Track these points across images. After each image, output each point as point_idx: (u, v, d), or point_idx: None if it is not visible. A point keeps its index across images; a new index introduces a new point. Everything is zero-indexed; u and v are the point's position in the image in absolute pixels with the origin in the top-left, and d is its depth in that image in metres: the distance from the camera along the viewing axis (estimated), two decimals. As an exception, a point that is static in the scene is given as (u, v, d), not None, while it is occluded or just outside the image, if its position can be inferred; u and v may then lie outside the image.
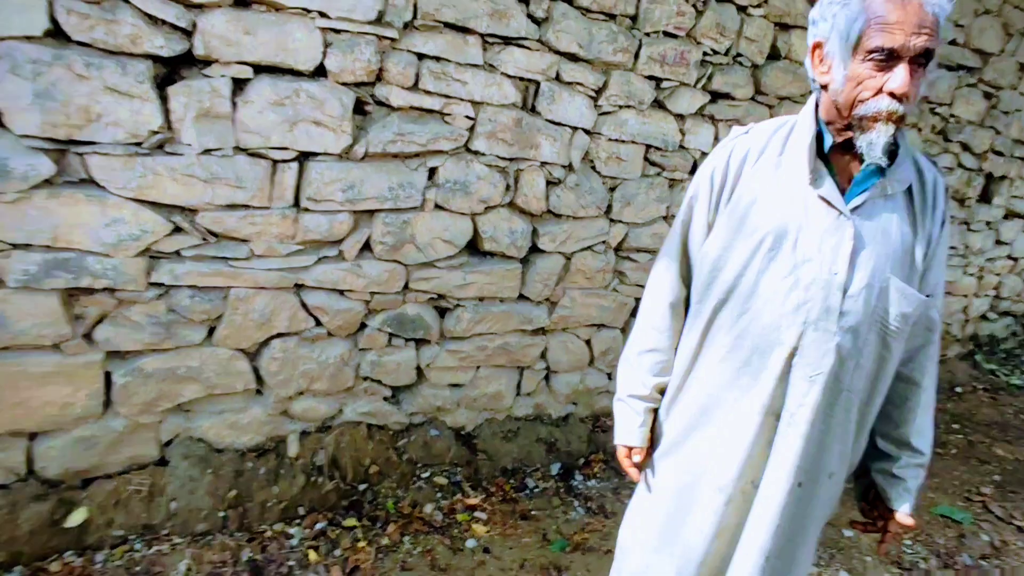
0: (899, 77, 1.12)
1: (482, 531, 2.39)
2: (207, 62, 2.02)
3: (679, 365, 1.44)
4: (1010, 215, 5.00)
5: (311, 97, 2.15)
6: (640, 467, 1.50)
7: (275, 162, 2.16)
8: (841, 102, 1.20)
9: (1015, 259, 5.28)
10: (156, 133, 1.96)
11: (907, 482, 1.39)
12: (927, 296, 1.31)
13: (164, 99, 1.97)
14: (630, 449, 1.49)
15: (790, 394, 1.28)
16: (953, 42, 4.02)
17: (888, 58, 1.13)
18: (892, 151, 1.24)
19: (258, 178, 2.13)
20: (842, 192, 1.26)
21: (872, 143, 1.19)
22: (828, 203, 1.25)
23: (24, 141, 1.82)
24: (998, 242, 5.03)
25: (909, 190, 1.29)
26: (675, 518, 1.42)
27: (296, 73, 2.15)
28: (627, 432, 1.48)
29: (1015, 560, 2.79)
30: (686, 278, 1.46)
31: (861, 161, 1.23)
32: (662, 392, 1.48)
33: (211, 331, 2.20)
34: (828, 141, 1.27)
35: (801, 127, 1.30)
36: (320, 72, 2.19)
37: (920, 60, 1.13)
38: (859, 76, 1.16)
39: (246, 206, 2.14)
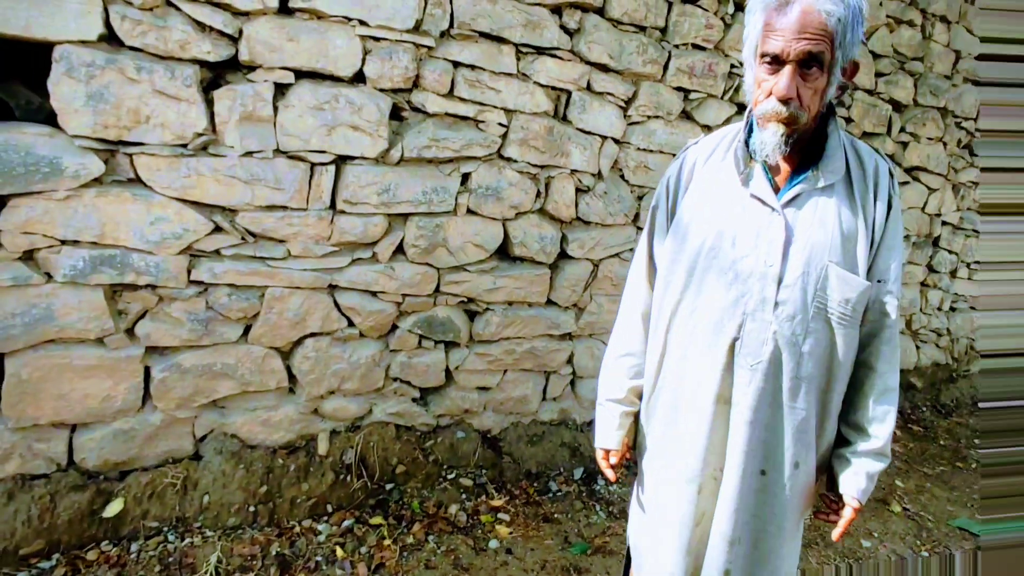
0: (780, 81, 1.20)
1: (505, 532, 2.38)
2: (251, 67, 2.06)
3: (650, 368, 1.49)
4: (1035, 231, 4.92)
5: (349, 102, 2.18)
6: (615, 468, 1.52)
7: (313, 165, 2.19)
8: (751, 105, 1.29)
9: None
10: (201, 135, 2.00)
11: (855, 466, 1.39)
12: (878, 281, 1.34)
13: (209, 103, 2.01)
14: (607, 452, 1.52)
15: (735, 383, 1.34)
16: (979, 57, 4.00)
17: (776, 62, 1.20)
18: (817, 146, 1.32)
19: (296, 180, 2.16)
20: (779, 189, 1.33)
21: (763, 142, 1.26)
22: (760, 200, 1.31)
23: (76, 141, 1.86)
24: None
25: (850, 180, 1.33)
26: (659, 510, 1.47)
27: (335, 79, 2.19)
28: (604, 435, 1.52)
29: None
30: (654, 284, 1.52)
31: (797, 159, 1.31)
32: (639, 396, 1.52)
33: (247, 329, 2.23)
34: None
35: (736, 133, 1.39)
36: (359, 78, 2.22)
37: (809, 64, 1.19)
38: (758, 80, 1.25)
39: (284, 207, 2.17)
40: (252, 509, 2.16)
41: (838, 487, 1.40)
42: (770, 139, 1.26)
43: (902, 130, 3.79)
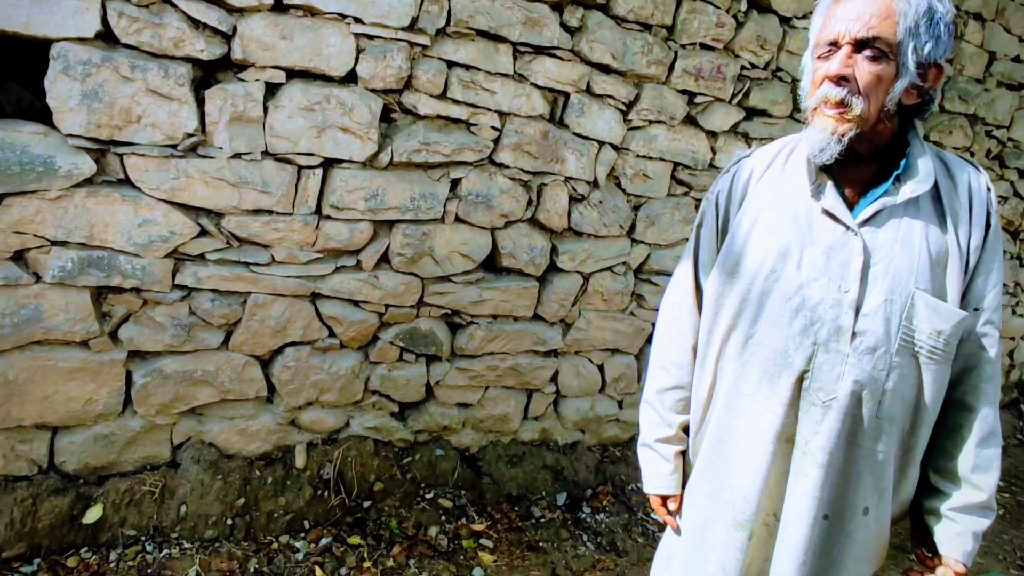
0: (834, 60, 1.36)
1: (489, 560, 2.92)
2: (243, 66, 2.54)
3: (697, 401, 1.67)
4: (1070, 251, 5.60)
5: (341, 103, 2.68)
6: (675, 514, 1.67)
7: (300, 168, 2.68)
8: (807, 106, 1.45)
9: (1073, 301, 5.89)
10: (191, 136, 2.48)
11: (959, 524, 1.46)
12: (975, 310, 1.44)
13: (200, 102, 2.49)
14: (664, 499, 1.68)
15: (803, 420, 1.46)
16: (1016, 59, 4.61)
17: (832, 47, 1.37)
18: (888, 157, 1.44)
19: (283, 183, 2.66)
20: (852, 205, 1.45)
21: (810, 138, 1.41)
22: (833, 217, 1.43)
23: (70, 140, 2.33)
24: (1055, 281, 5.63)
25: (938, 195, 1.43)
26: (697, 556, 1.64)
27: (327, 79, 2.68)
28: (657, 480, 1.69)
29: None
30: (701, 308, 1.67)
31: (873, 170, 1.45)
32: (687, 430, 1.70)
33: (228, 336, 2.73)
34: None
35: (802, 142, 1.51)
36: (351, 78, 2.71)
37: (867, 49, 1.34)
38: (813, 71, 1.43)
39: (270, 211, 2.66)
40: (229, 522, 2.67)
41: (936, 546, 1.49)
42: (816, 135, 1.39)
43: (925, 138, 4.40)
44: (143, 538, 2.56)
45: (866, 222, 1.42)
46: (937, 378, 1.43)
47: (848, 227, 1.42)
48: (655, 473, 1.71)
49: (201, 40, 2.43)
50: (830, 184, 1.46)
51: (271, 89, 2.60)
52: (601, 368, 3.66)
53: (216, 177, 2.54)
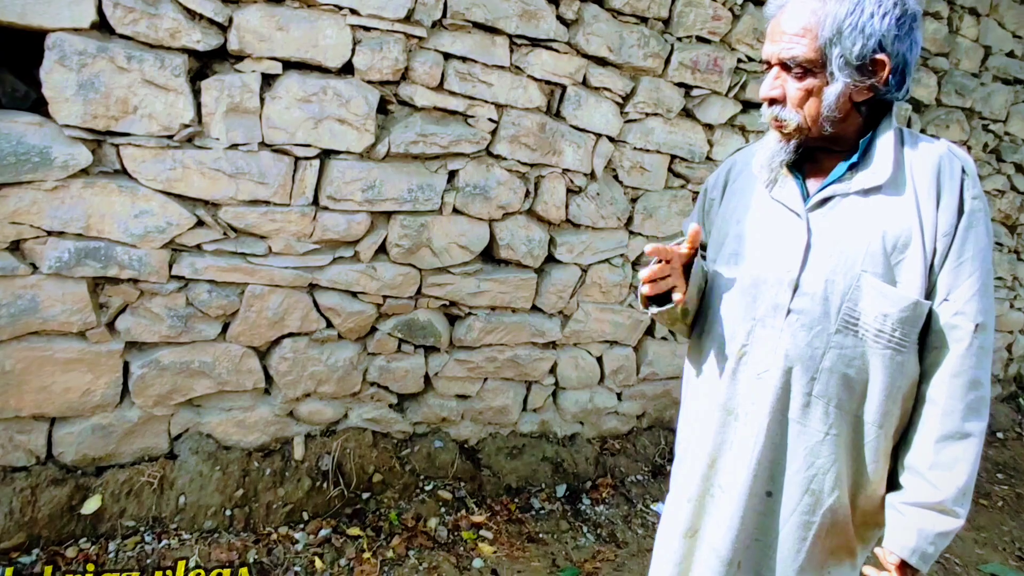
0: (764, 82, 1.46)
1: (489, 551, 2.89)
2: (239, 57, 2.51)
3: (686, 382, 1.78)
4: (1067, 245, 5.57)
5: (337, 94, 2.65)
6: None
7: (297, 159, 2.66)
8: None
9: (1070, 293, 5.85)
10: (187, 127, 2.45)
11: (906, 518, 1.43)
12: (944, 300, 1.41)
13: (196, 93, 2.46)
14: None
15: (740, 392, 1.54)
16: (1011, 54, 4.59)
17: (768, 67, 1.46)
18: (855, 147, 1.49)
19: (280, 174, 2.63)
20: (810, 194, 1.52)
21: (765, 147, 1.53)
22: (784, 205, 1.52)
23: (66, 131, 2.30)
24: (1052, 274, 5.60)
25: (908, 181, 1.44)
26: (667, 521, 1.74)
27: (324, 70, 2.65)
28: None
29: None
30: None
31: (836, 162, 1.50)
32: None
33: (225, 327, 2.70)
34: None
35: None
36: (347, 70, 2.68)
37: (792, 68, 1.41)
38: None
39: (267, 202, 2.64)
40: (228, 513, 2.64)
41: (884, 539, 1.47)
42: (768, 145, 1.51)
43: (922, 132, 4.38)
44: (142, 529, 2.53)
45: (817, 207, 1.48)
46: (889, 364, 1.42)
47: (797, 213, 1.49)
48: None
49: (197, 31, 2.41)
50: (787, 176, 1.53)
51: (268, 80, 2.57)
52: (600, 360, 3.63)
53: (213, 168, 2.52)
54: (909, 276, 1.41)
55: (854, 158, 1.48)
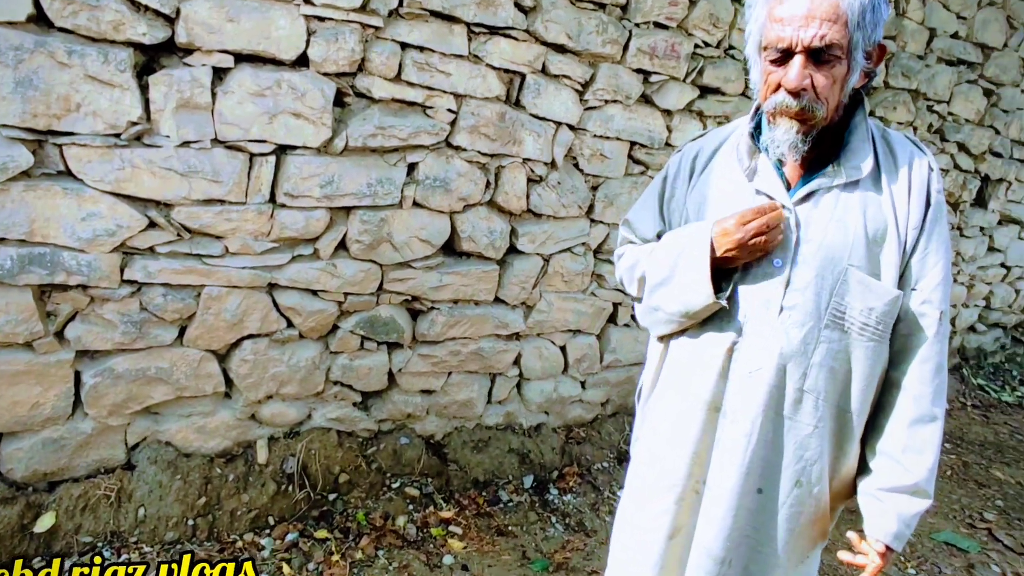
0: (789, 72, 1.34)
1: (459, 547, 2.84)
2: (188, 51, 2.38)
3: (647, 378, 1.73)
4: (1005, 220, 5.71)
5: (292, 88, 2.53)
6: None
7: (252, 155, 2.54)
8: (760, 100, 1.46)
9: (1008, 267, 6.02)
10: (135, 124, 2.32)
11: (884, 504, 1.46)
12: (912, 290, 1.44)
13: (144, 89, 2.32)
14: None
15: (730, 390, 1.50)
16: (955, 35, 4.64)
17: (784, 54, 1.35)
18: (837, 137, 1.45)
19: (235, 172, 2.51)
20: (792, 185, 1.48)
21: (775, 140, 1.42)
22: (768, 196, 1.48)
23: (3, 131, 2.15)
24: (991, 249, 5.74)
25: (880, 175, 1.45)
26: (637, 518, 1.68)
27: (277, 63, 2.53)
28: (701, 264, 1.48)
29: None
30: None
31: (815, 152, 1.45)
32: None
33: (182, 331, 2.58)
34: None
35: (742, 127, 1.57)
36: (302, 62, 2.57)
37: (820, 53, 1.32)
38: (765, 73, 1.41)
39: (222, 201, 2.52)
40: (191, 522, 2.54)
41: (865, 527, 1.49)
42: (783, 137, 1.40)
43: (871, 114, 4.41)
44: (100, 544, 2.42)
45: (802, 201, 1.45)
46: (870, 355, 1.44)
47: (783, 205, 1.45)
48: (695, 265, 1.50)
49: (143, 23, 2.27)
50: (767, 165, 1.49)
51: (219, 74, 2.45)
52: (563, 349, 3.59)
53: (163, 167, 2.39)
54: (888, 268, 1.43)
55: (839, 152, 1.46)
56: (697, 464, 1.56)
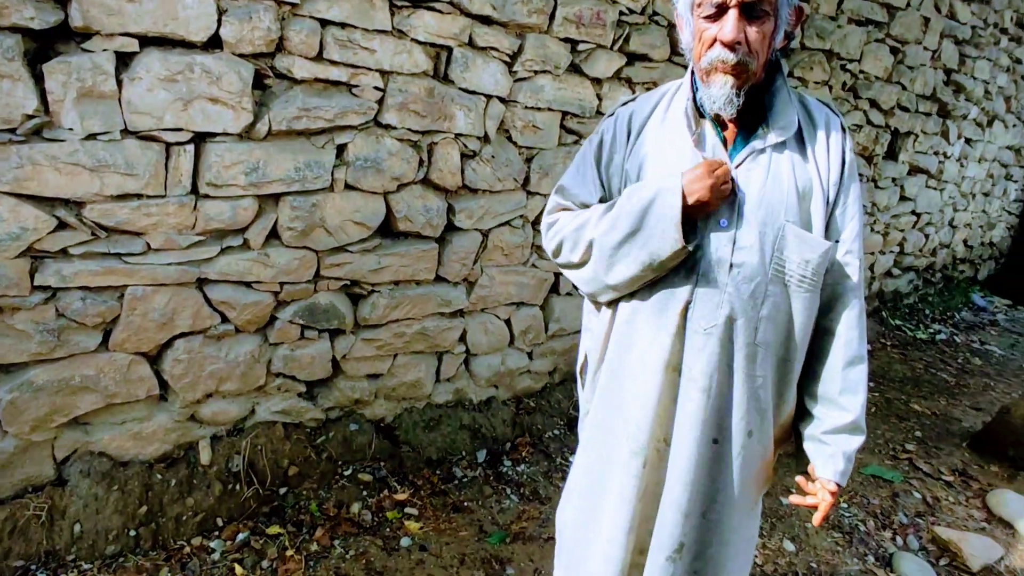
0: (725, 26, 1.33)
1: (415, 528, 2.64)
2: (86, 35, 2.07)
3: (595, 338, 1.65)
4: (914, 171, 5.72)
5: (206, 71, 2.24)
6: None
7: (169, 145, 2.25)
8: (694, 61, 1.43)
9: (918, 214, 6.06)
10: (32, 117, 2.01)
11: (831, 446, 1.50)
12: (836, 242, 1.46)
13: (39, 78, 2.01)
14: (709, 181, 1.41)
15: (687, 349, 1.47)
16: (864, -5, 4.55)
17: (719, 8, 1.33)
18: (761, 100, 1.44)
19: (151, 164, 2.22)
20: (728, 145, 1.47)
21: (712, 97, 1.39)
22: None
23: None
24: (903, 198, 5.75)
25: (802, 136, 1.46)
26: (598, 489, 1.62)
27: (188, 45, 2.23)
28: (671, 213, 1.40)
29: (949, 516, 3.31)
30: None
31: (745, 116, 1.44)
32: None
33: (107, 335, 2.29)
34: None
35: (681, 92, 1.53)
36: (215, 43, 2.27)
37: (754, 8, 1.32)
38: (699, 31, 1.38)
39: (139, 195, 2.23)
40: (133, 533, 2.27)
41: (814, 469, 1.51)
42: (719, 92, 1.37)
43: (790, 75, 4.29)
44: (34, 567, 2.14)
45: (741, 163, 1.44)
46: (806, 305, 1.45)
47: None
48: (664, 215, 1.41)
49: (30, 6, 1.95)
50: (711, 132, 1.47)
51: (124, 60, 2.14)
52: (508, 322, 3.39)
53: (69, 162, 2.08)
54: (816, 222, 1.44)
55: (768, 116, 1.46)
56: (659, 425, 1.52)
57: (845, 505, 3.27)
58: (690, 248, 1.43)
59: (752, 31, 1.33)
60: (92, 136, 2.11)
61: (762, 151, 1.44)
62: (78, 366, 2.24)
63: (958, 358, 5.63)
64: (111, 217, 2.19)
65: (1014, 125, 6.85)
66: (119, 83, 2.12)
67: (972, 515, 3.36)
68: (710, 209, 1.43)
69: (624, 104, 1.63)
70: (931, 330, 6.13)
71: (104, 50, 2.08)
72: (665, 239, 1.41)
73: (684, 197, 1.40)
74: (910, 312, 6.34)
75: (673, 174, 1.43)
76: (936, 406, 4.61)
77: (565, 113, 3.23)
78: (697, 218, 1.44)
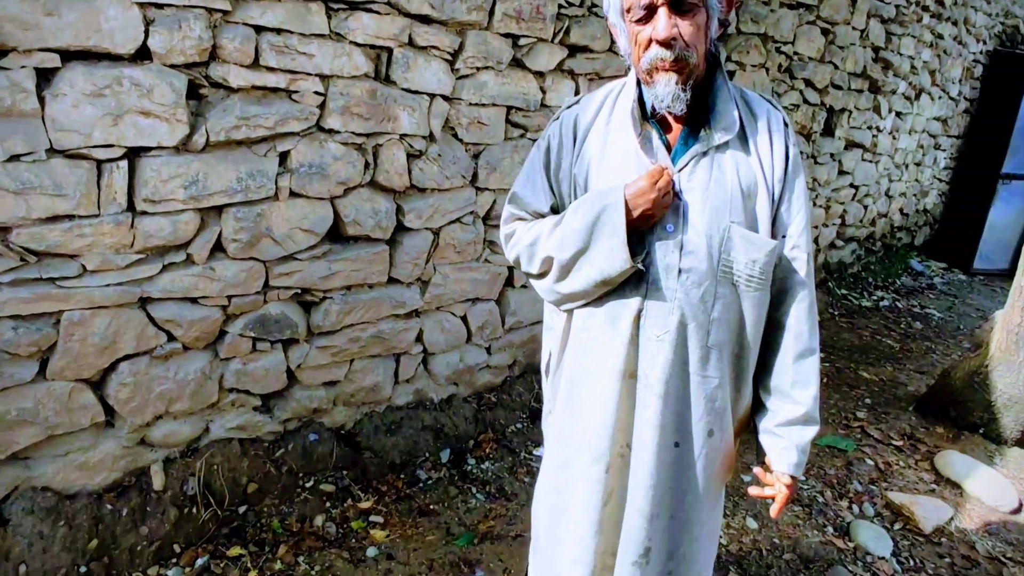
0: (658, 24, 1.29)
1: (381, 536, 2.55)
2: (3, 52, 1.90)
3: (553, 343, 1.62)
4: (850, 145, 5.78)
5: (136, 84, 2.09)
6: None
7: (100, 162, 2.10)
8: (634, 64, 1.39)
9: (856, 187, 6.13)
10: (-53, 141, 1.84)
11: (785, 439, 1.48)
12: (782, 237, 1.44)
13: (-48, 99, 1.85)
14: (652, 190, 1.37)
15: (642, 355, 1.44)
16: (793, -22, 4.53)
17: (648, 10, 1.30)
18: (702, 101, 1.40)
19: (81, 183, 2.06)
20: (671, 148, 1.43)
21: (658, 96, 1.35)
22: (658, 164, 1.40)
23: None
24: (841, 172, 5.81)
25: (744, 133, 1.42)
26: (564, 492, 1.59)
27: (114, 58, 2.08)
28: (617, 234, 1.37)
29: (901, 480, 3.35)
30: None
31: (687, 115, 1.40)
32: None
33: (44, 364, 2.13)
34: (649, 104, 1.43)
35: (625, 92, 1.48)
36: (144, 55, 2.12)
37: (682, 3, 1.28)
38: (633, 35, 1.35)
39: (71, 216, 2.07)
40: (83, 570, 2.13)
41: (770, 462, 1.50)
42: (664, 90, 1.34)
43: (728, 59, 4.25)
44: (-21, 612, 2.00)
45: (684, 166, 1.41)
46: (756, 303, 1.44)
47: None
48: (610, 235, 1.39)
49: (-65, 23, 1.77)
50: (655, 135, 1.43)
51: (45, 76, 1.98)
52: (464, 319, 3.29)
53: (-10, 187, 1.92)
54: (762, 220, 1.41)
55: (709, 119, 1.42)
56: (620, 430, 1.49)
57: (803, 478, 3.26)
58: (639, 266, 1.40)
59: (685, 25, 1.30)
60: (15, 158, 1.95)
61: (705, 153, 1.41)
62: (14, 399, 2.08)
63: (901, 324, 5.72)
64: (41, 241, 2.03)
65: (940, 97, 6.96)
66: (41, 100, 1.96)
67: (922, 478, 3.40)
68: (655, 220, 1.40)
69: (568, 107, 1.58)
70: (875, 297, 6.22)
71: (23, 67, 1.92)
72: (614, 258, 1.39)
73: (629, 211, 1.37)
74: (854, 281, 6.42)
75: (616, 187, 1.40)
76: (883, 372, 4.67)
77: (510, 108, 3.14)
78: (643, 228, 1.41)
